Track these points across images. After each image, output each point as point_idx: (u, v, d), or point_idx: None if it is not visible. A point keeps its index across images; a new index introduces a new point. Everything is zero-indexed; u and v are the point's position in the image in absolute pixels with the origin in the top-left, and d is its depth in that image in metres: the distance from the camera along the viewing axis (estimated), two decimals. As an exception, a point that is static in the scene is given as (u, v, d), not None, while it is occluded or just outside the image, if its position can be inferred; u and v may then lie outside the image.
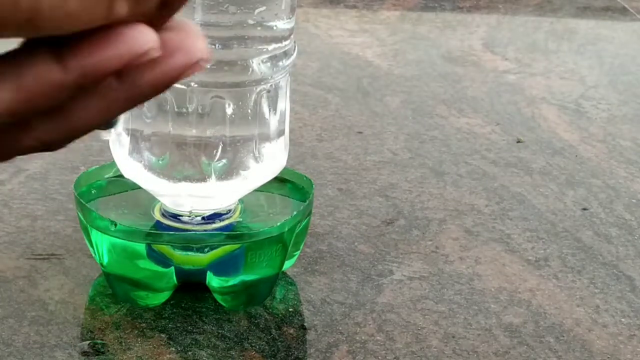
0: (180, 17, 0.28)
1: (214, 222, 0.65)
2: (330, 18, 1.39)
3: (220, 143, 0.61)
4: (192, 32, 0.27)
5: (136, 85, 0.27)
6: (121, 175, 0.66)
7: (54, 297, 0.66)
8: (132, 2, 0.25)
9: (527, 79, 1.16)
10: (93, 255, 0.66)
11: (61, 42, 0.26)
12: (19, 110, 0.26)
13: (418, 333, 0.64)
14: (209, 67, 0.59)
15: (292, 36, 0.63)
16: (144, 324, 0.64)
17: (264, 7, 0.59)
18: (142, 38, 0.26)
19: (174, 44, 0.27)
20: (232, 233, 0.64)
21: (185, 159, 0.62)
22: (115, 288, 0.66)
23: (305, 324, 0.65)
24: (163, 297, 0.66)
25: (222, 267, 0.65)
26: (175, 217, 0.65)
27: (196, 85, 0.59)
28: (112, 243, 0.63)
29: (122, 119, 0.30)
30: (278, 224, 0.64)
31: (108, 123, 0.29)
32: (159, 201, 0.66)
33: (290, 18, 0.62)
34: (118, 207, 0.68)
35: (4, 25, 0.23)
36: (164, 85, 0.27)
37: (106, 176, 0.70)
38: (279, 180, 0.70)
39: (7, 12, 0.23)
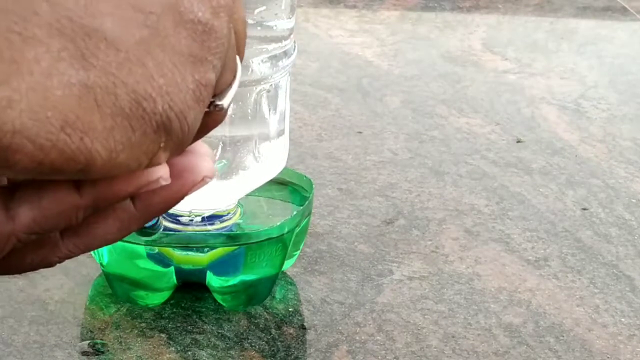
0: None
1: (213, 224, 0.65)
2: (330, 18, 1.39)
3: (220, 143, 0.61)
4: (199, 153, 0.31)
5: (148, 205, 0.30)
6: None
7: (53, 296, 0.66)
8: (171, 152, 0.28)
9: (527, 79, 1.16)
10: (93, 255, 0.66)
11: None
12: (37, 229, 0.29)
13: (418, 333, 0.64)
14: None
15: (292, 36, 0.63)
16: (144, 324, 0.64)
17: (264, 7, 0.59)
18: (153, 169, 0.29)
19: (182, 166, 0.30)
20: (232, 233, 0.64)
21: (185, 159, 0.61)
22: (115, 288, 0.66)
23: (305, 324, 0.65)
24: (163, 297, 0.66)
25: (222, 267, 0.65)
26: (175, 217, 0.65)
27: (196, 85, 0.59)
28: (112, 243, 0.63)
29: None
30: (278, 224, 0.64)
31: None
32: (159, 201, 0.66)
33: (290, 18, 0.62)
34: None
35: (60, 173, 0.26)
36: (173, 203, 0.31)
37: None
38: (279, 180, 0.70)
39: (65, 166, 0.26)
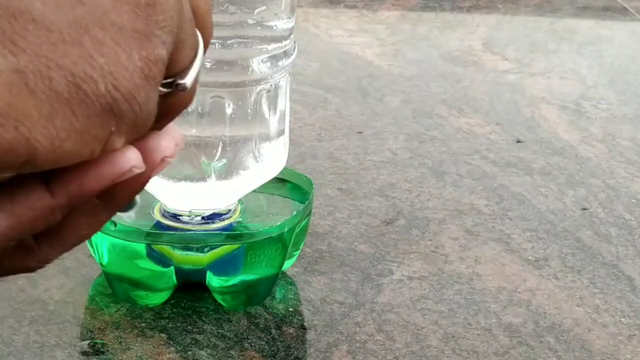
0: None
1: (213, 222, 0.65)
2: (330, 18, 1.39)
3: (220, 143, 0.61)
4: (159, 133, 0.29)
5: (112, 194, 0.29)
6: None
7: (53, 296, 0.66)
8: (126, 135, 0.27)
9: (527, 79, 1.16)
10: (93, 255, 0.66)
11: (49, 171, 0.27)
12: (15, 235, 0.28)
13: (418, 333, 0.64)
14: (209, 66, 0.59)
15: (292, 36, 0.63)
16: (143, 324, 0.64)
17: (264, 7, 0.59)
18: (125, 158, 0.27)
19: (141, 150, 0.28)
20: (232, 233, 0.64)
21: (185, 159, 0.62)
22: (115, 288, 0.66)
23: (305, 324, 0.65)
24: (163, 296, 0.66)
25: (222, 266, 0.65)
26: (175, 217, 0.65)
27: (196, 85, 0.59)
28: (112, 243, 0.63)
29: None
30: (278, 223, 0.64)
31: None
32: (159, 201, 0.66)
33: (290, 18, 0.62)
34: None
35: (3, 166, 0.25)
36: (137, 189, 0.29)
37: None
38: (279, 180, 0.70)
39: (5, 157, 0.24)
